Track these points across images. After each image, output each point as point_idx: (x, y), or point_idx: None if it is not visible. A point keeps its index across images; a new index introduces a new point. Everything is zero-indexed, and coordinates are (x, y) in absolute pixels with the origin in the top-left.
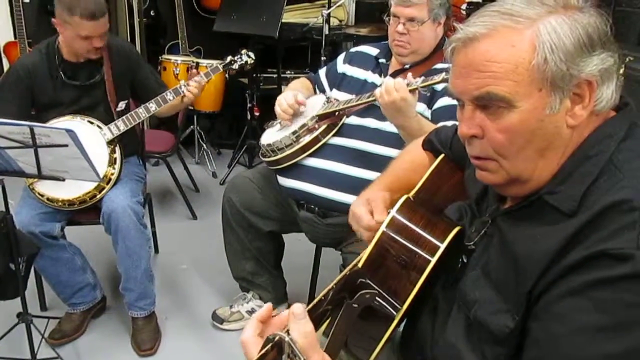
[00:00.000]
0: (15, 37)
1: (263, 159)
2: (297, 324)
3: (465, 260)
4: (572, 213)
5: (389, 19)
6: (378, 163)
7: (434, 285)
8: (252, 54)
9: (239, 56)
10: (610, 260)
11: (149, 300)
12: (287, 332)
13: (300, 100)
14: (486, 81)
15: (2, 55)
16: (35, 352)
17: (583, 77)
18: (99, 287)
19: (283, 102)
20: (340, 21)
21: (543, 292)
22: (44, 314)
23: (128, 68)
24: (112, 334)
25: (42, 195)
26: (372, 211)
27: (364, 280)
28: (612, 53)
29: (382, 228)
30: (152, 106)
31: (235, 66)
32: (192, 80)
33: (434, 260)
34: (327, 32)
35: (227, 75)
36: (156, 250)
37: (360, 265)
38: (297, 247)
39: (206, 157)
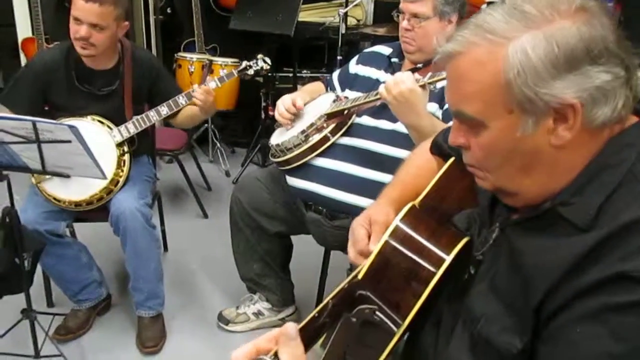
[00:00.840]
0: (32, 33)
1: (273, 159)
2: (288, 346)
3: (472, 272)
4: (587, 227)
5: (398, 15)
6: (389, 165)
7: (438, 297)
8: (268, 60)
9: (254, 61)
10: (631, 284)
11: (158, 300)
12: (275, 354)
13: (298, 106)
14: (459, 99)
15: (20, 51)
16: (39, 348)
17: (558, 101)
18: (105, 284)
19: (280, 105)
20: (358, 21)
21: (554, 314)
22: (50, 311)
23: (148, 80)
24: (117, 331)
25: (49, 195)
26: (370, 235)
27: (363, 292)
28: (612, 66)
29: (385, 238)
30: (163, 110)
31: (251, 72)
32: (201, 87)
33: (439, 273)
34: (343, 32)
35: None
36: (165, 249)
37: (360, 276)
38: (306, 248)
39: (220, 155)
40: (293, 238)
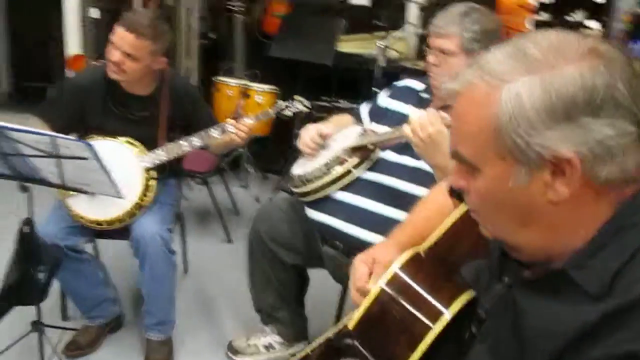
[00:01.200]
0: (81, 50)
1: (294, 190)
2: None
3: (474, 331)
4: (599, 295)
5: (427, 50)
6: (411, 203)
7: (436, 352)
8: (306, 102)
9: (291, 102)
10: None
11: (169, 325)
12: None
13: (324, 134)
14: (457, 139)
15: (67, 66)
16: None
17: (552, 154)
18: (119, 302)
19: (305, 135)
20: (400, 53)
21: None
22: (62, 325)
23: (185, 109)
24: (125, 351)
25: (72, 211)
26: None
27: (350, 342)
28: (619, 120)
29: (381, 285)
30: (196, 141)
31: (288, 113)
32: (241, 124)
33: (436, 328)
34: (383, 64)
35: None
36: (185, 271)
37: (351, 326)
38: (323, 282)
39: (251, 180)
40: (311, 272)
